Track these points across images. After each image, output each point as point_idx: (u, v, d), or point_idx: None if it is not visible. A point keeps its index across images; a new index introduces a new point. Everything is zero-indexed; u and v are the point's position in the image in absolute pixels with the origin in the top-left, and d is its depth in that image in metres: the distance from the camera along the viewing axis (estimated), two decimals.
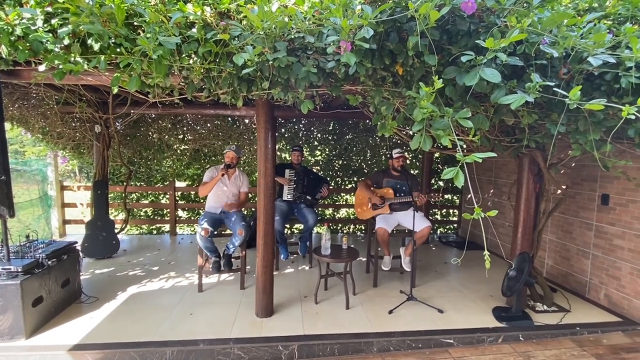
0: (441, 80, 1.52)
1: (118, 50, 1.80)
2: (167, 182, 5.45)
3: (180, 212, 5.69)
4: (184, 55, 1.87)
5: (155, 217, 5.64)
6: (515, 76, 1.82)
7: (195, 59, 1.88)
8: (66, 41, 1.79)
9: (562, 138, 2.50)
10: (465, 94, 1.89)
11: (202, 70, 1.93)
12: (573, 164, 3.61)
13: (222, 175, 3.21)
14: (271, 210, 2.80)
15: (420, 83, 1.54)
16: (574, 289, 3.59)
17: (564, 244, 3.75)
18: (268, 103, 2.64)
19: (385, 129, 1.98)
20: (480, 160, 1.36)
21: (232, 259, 3.52)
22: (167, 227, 5.66)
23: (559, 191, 3.71)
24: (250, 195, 5.26)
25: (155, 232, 5.70)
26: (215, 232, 3.37)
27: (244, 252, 3.42)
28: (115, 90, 1.91)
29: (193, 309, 3.00)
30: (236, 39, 1.75)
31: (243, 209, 3.89)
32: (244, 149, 5.52)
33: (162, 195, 5.66)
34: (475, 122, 1.78)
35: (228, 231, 4.80)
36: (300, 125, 5.73)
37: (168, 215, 5.51)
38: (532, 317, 2.97)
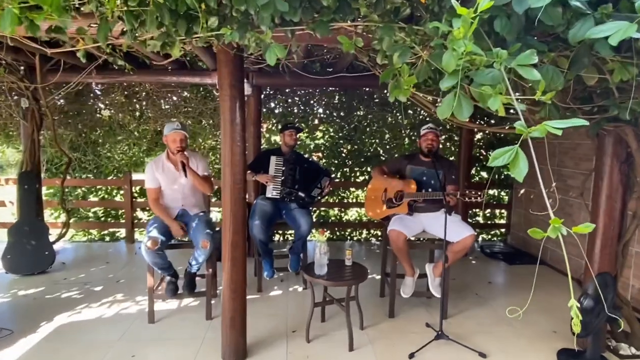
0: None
1: None
2: (122, 174, 5.29)
3: (139, 213, 5.53)
4: None
5: (108, 220, 5.53)
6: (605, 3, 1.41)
7: None
8: None
9: None
10: (525, 33, 1.51)
11: (117, 3, 1.57)
12: None
13: (185, 174, 3.00)
14: (241, 213, 2.54)
15: (453, 2, 1.14)
16: None
17: None
18: (234, 57, 2.32)
19: (400, 90, 1.60)
20: (560, 132, 0.97)
21: (197, 278, 3.30)
22: (122, 232, 5.50)
23: None
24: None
25: (108, 238, 5.58)
26: (172, 242, 3.16)
27: (210, 270, 3.17)
28: None
29: (137, 348, 2.76)
30: None
31: (210, 210, 3.61)
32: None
33: (115, 191, 5.52)
34: (544, 77, 1.39)
35: None
36: (295, 98, 5.53)
37: (123, 216, 5.34)
38: None
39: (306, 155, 5.23)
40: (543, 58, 1.61)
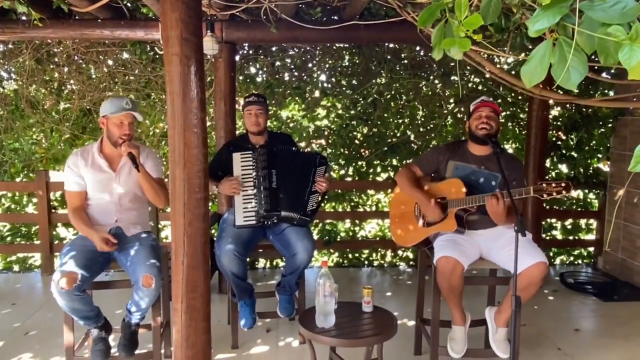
0: None
1: None
2: (36, 174, 5.21)
3: (61, 230, 5.51)
4: None
5: (16, 241, 5.54)
6: None
7: None
8: None
9: None
10: None
11: None
12: None
13: (137, 168, 2.98)
14: (202, 239, 2.46)
15: None
16: None
17: None
18: None
19: (453, 40, 1.39)
20: None
21: (141, 330, 3.22)
22: (37, 258, 5.50)
23: None
24: None
25: (16, 268, 5.56)
26: (101, 277, 3.12)
27: (159, 319, 3.12)
28: None
29: None
30: None
31: (160, 227, 3.62)
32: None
33: (26, 198, 5.53)
34: None
35: None
36: (287, 60, 5.61)
37: (37, 235, 5.33)
38: None
39: (296, 140, 5.09)
40: None
